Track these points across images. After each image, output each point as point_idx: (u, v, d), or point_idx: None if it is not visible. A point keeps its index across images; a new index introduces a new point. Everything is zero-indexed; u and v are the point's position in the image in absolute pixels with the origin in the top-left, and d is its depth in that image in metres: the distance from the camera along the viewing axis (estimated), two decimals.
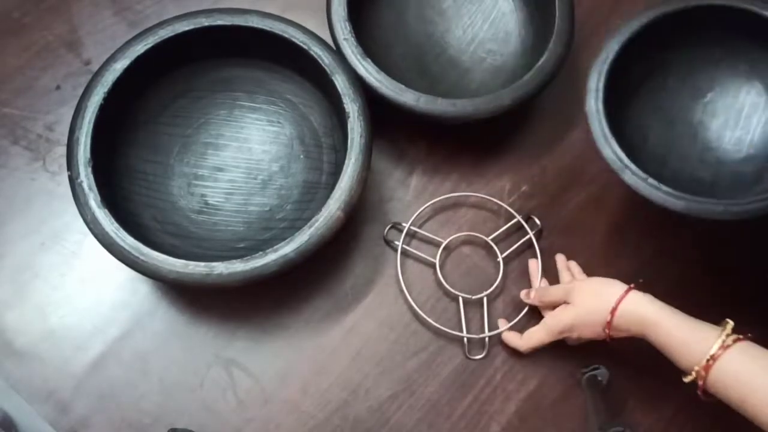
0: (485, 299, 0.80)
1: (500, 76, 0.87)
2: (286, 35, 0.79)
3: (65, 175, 0.73)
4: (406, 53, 0.89)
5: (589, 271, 0.80)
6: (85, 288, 0.81)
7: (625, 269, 0.83)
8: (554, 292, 0.76)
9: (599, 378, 0.75)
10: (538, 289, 0.79)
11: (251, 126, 0.85)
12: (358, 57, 0.80)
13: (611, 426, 0.70)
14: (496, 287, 0.81)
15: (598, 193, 0.87)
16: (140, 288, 0.81)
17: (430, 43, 0.90)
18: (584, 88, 0.89)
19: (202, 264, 0.70)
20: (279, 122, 0.85)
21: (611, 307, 0.69)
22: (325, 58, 0.78)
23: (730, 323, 0.64)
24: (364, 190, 0.75)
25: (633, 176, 0.70)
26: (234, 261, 0.70)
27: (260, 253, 0.70)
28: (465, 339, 0.79)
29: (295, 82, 0.85)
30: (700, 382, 0.63)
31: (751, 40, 0.75)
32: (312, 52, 0.78)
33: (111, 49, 0.78)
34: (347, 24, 0.81)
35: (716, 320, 0.65)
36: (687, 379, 0.64)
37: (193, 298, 0.81)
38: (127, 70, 0.76)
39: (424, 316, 0.79)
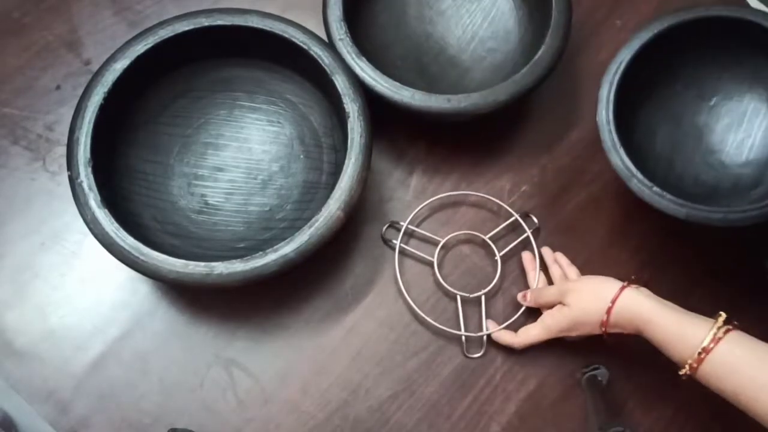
0: (483, 297, 0.80)
1: (500, 74, 0.87)
2: (286, 35, 0.79)
3: (65, 175, 0.73)
4: (405, 53, 0.89)
5: (589, 270, 0.80)
6: (85, 288, 0.81)
7: (625, 269, 0.83)
8: (550, 294, 0.77)
9: (599, 378, 0.76)
10: (533, 291, 0.79)
11: (251, 126, 0.85)
12: (354, 56, 0.80)
13: (611, 426, 0.70)
14: (494, 286, 0.81)
15: (598, 193, 0.87)
16: (140, 288, 0.81)
17: (429, 43, 0.90)
18: (584, 88, 0.90)
19: (202, 264, 0.70)
20: (279, 122, 0.85)
21: (607, 306, 0.70)
22: (325, 58, 0.78)
23: (723, 315, 0.65)
24: (364, 190, 0.75)
25: (638, 184, 0.73)
26: (234, 261, 0.70)
27: (260, 253, 0.70)
28: (463, 337, 0.79)
29: (295, 82, 0.85)
30: (694, 374, 0.64)
31: (754, 49, 0.78)
32: (312, 52, 0.78)
33: (111, 49, 0.78)
34: (342, 24, 0.81)
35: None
36: (682, 372, 0.65)
37: (193, 298, 0.81)
38: (127, 70, 0.76)
39: (422, 314, 0.79)
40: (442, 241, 0.82)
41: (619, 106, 0.76)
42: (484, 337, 0.79)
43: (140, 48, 0.77)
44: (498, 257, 0.82)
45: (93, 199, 0.72)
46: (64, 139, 0.74)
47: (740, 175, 0.80)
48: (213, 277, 0.70)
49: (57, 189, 0.84)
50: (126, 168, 0.80)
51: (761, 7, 0.99)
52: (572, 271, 0.80)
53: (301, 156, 0.84)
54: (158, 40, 0.78)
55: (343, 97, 0.76)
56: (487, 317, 0.80)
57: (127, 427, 0.76)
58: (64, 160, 0.74)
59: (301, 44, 0.78)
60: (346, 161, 0.74)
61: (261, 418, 0.77)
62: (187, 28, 0.78)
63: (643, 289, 0.71)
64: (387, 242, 0.83)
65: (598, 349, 0.75)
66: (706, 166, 0.81)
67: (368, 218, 0.85)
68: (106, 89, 0.75)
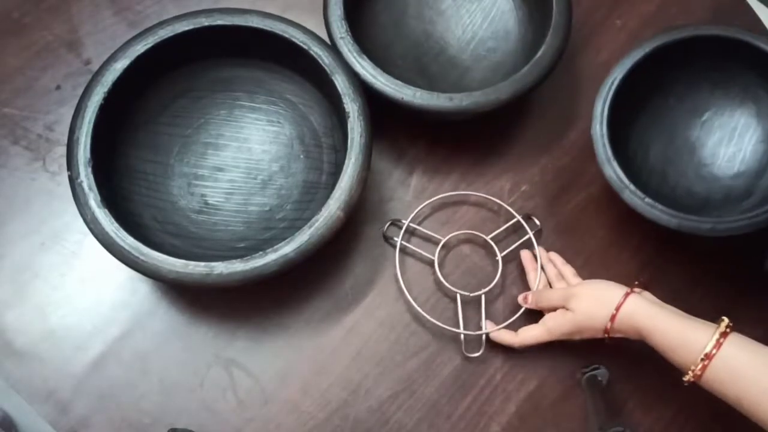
0: (483, 297, 0.80)
1: (500, 74, 0.87)
2: (286, 35, 0.79)
3: (65, 175, 0.73)
4: (405, 53, 0.89)
5: (589, 270, 0.80)
6: (85, 288, 0.81)
7: (625, 269, 0.83)
8: (552, 297, 0.76)
9: (599, 378, 0.75)
10: (534, 293, 0.79)
11: (251, 126, 0.85)
12: (355, 55, 0.80)
13: (611, 426, 0.70)
14: (495, 286, 0.81)
15: (599, 193, 0.87)
16: (140, 288, 0.81)
17: (430, 43, 0.90)
18: (584, 88, 0.90)
19: (202, 264, 0.70)
20: (279, 122, 0.85)
21: (611, 313, 0.69)
22: (325, 58, 0.78)
23: (725, 321, 0.64)
24: (364, 190, 0.75)
25: (631, 195, 0.76)
26: (234, 261, 0.70)
27: (260, 253, 0.70)
28: (462, 336, 0.79)
29: (295, 82, 0.85)
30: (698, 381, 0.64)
31: (744, 66, 0.81)
32: (312, 52, 0.78)
33: (111, 49, 0.78)
34: (343, 23, 0.81)
35: (715, 322, 0.66)
36: (685, 379, 0.65)
37: (193, 298, 0.81)
38: (127, 70, 0.76)
39: (420, 311, 0.79)
40: (443, 240, 0.82)
41: (613, 121, 0.79)
42: (483, 337, 0.79)
43: (140, 48, 0.77)
44: (499, 257, 0.82)
45: (93, 199, 0.72)
46: (64, 139, 0.74)
47: (731, 186, 0.82)
48: (213, 277, 0.70)
49: (57, 189, 0.84)
50: (126, 168, 0.80)
51: (761, 7, 0.99)
52: (567, 269, 0.80)
53: (301, 156, 0.84)
54: (158, 40, 0.78)
55: (343, 96, 0.76)
56: (486, 317, 0.80)
57: (127, 427, 0.76)
58: (64, 160, 0.74)
59: (301, 44, 0.78)
60: (346, 161, 0.74)
61: (261, 418, 0.77)
62: (187, 28, 0.78)
63: (647, 294, 0.71)
64: (388, 240, 0.83)
65: (598, 349, 0.75)
66: (698, 178, 0.83)
67: (368, 218, 0.85)
68: (106, 89, 0.75)
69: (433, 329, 0.80)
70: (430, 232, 0.83)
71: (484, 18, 0.91)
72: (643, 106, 0.84)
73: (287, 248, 0.71)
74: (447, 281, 0.81)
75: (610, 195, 0.86)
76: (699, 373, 0.63)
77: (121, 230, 0.71)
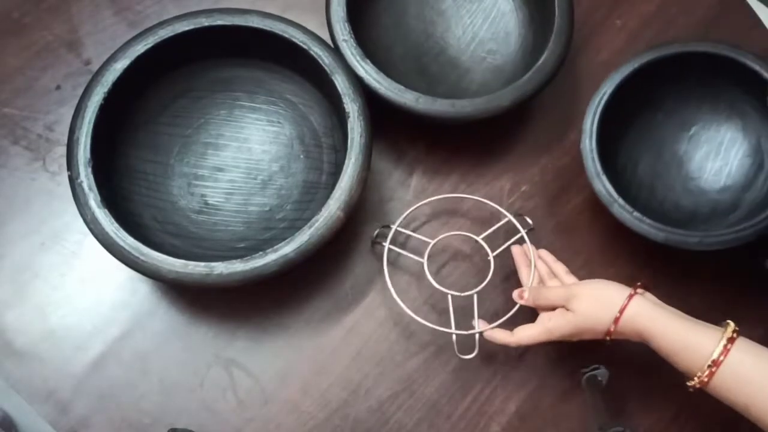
0: (475, 297, 0.78)
1: (500, 76, 0.87)
2: (286, 35, 0.79)
3: (65, 175, 0.73)
4: (405, 53, 0.89)
5: (589, 270, 0.80)
6: (85, 288, 0.81)
7: (625, 269, 0.83)
8: (551, 296, 0.73)
9: (599, 378, 0.75)
10: (532, 289, 0.75)
11: (251, 126, 0.85)
12: (358, 58, 0.80)
13: (611, 426, 0.70)
14: (487, 285, 0.79)
15: None
16: (140, 288, 0.81)
17: (430, 43, 0.90)
18: (584, 89, 0.90)
19: (202, 264, 0.70)
20: (279, 122, 0.85)
21: (614, 316, 0.67)
22: (325, 58, 0.78)
23: (731, 325, 0.63)
24: (364, 190, 0.75)
25: (620, 209, 0.77)
26: (234, 261, 0.70)
27: (260, 253, 0.70)
28: (453, 336, 0.77)
29: (295, 82, 0.85)
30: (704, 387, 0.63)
31: (731, 82, 0.83)
32: (312, 52, 0.78)
33: (111, 49, 0.78)
34: (346, 25, 0.81)
35: (716, 322, 0.65)
36: (690, 384, 0.63)
37: (193, 298, 0.81)
38: (127, 70, 0.76)
39: (412, 314, 0.76)
40: (434, 242, 0.80)
41: (602, 136, 0.79)
42: (476, 337, 0.77)
43: (140, 48, 0.77)
44: (491, 257, 0.80)
45: (93, 199, 0.72)
46: (64, 139, 0.75)
47: (718, 200, 0.83)
48: (213, 277, 0.70)
49: (57, 189, 0.84)
50: (126, 168, 0.80)
51: (761, 7, 0.99)
52: (559, 267, 0.76)
53: (301, 156, 0.84)
54: (158, 40, 0.78)
55: (343, 97, 0.76)
56: (479, 317, 0.77)
57: (127, 427, 0.76)
58: (64, 160, 0.74)
59: (301, 44, 0.78)
60: (346, 161, 0.74)
61: (261, 418, 0.77)
62: (187, 28, 0.78)
63: (650, 296, 0.69)
64: (375, 245, 0.82)
65: (598, 349, 0.75)
66: (685, 192, 0.85)
67: (368, 218, 0.85)
68: (106, 89, 0.75)
69: (426, 329, 0.79)
70: (419, 236, 0.81)
71: (485, 19, 0.91)
72: (632, 121, 0.85)
73: (287, 248, 0.71)
74: (438, 283, 0.79)
75: None
76: (706, 379, 0.62)
77: (121, 230, 0.71)
